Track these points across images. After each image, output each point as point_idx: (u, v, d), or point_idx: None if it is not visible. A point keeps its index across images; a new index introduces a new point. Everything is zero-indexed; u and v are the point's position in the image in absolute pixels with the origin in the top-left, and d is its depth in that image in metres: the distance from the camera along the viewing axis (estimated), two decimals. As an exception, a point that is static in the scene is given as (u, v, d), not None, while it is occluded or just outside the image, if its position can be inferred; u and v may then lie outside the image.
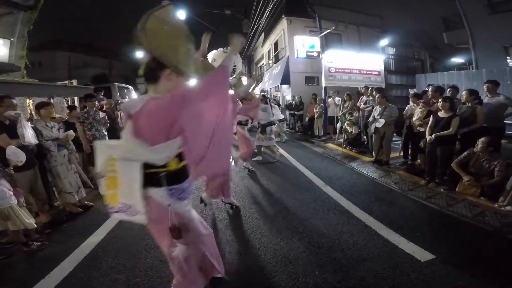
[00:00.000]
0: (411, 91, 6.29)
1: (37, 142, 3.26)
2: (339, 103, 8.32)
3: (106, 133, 4.59)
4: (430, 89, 4.78)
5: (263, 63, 19.88)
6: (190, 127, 1.44)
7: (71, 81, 10.61)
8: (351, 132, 6.82)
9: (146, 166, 1.45)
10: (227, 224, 3.20)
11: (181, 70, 1.49)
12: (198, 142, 1.54)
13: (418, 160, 5.00)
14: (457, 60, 16.40)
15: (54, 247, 2.84)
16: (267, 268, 2.36)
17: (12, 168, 2.78)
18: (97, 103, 4.69)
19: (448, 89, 4.69)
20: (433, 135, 4.00)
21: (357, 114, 7.23)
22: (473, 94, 4.11)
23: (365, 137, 6.93)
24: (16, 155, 2.75)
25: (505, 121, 4.23)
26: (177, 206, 1.58)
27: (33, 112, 5.36)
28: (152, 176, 1.48)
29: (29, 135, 3.16)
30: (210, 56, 3.38)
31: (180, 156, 1.55)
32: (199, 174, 1.81)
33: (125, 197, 1.49)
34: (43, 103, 3.69)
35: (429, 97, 4.70)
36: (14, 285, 2.28)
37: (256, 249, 2.66)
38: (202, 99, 1.46)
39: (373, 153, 5.69)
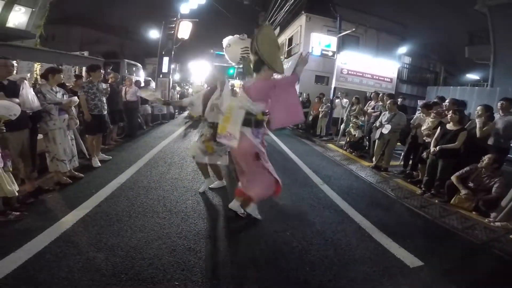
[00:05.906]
0: (420, 102, 6.17)
1: (39, 108, 3.14)
2: (346, 105, 8.22)
3: (105, 103, 4.53)
4: (448, 100, 4.67)
5: (274, 57, 19.63)
6: (273, 99, 2.67)
7: (83, 52, 10.62)
8: (355, 135, 6.75)
9: (247, 113, 2.60)
10: (219, 212, 3.13)
11: (273, 68, 2.61)
12: (275, 108, 2.71)
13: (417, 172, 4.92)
14: (473, 76, 16.15)
15: (33, 219, 2.59)
16: (259, 260, 2.30)
17: (3, 125, 2.52)
18: (102, 74, 4.62)
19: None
20: (437, 147, 3.94)
21: (363, 119, 7.16)
22: (489, 110, 3.99)
23: (367, 142, 6.87)
24: (7, 109, 2.49)
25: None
26: (256, 141, 2.65)
27: (38, 76, 5.35)
28: (248, 119, 2.62)
29: (29, 101, 3.03)
30: (225, 41, 3.36)
31: (264, 112, 2.75)
32: (275, 125, 2.84)
33: (231, 129, 2.59)
34: (54, 69, 3.62)
35: (445, 108, 4.59)
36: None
37: (248, 239, 2.60)
38: (282, 88, 2.68)
39: (373, 159, 5.63)
